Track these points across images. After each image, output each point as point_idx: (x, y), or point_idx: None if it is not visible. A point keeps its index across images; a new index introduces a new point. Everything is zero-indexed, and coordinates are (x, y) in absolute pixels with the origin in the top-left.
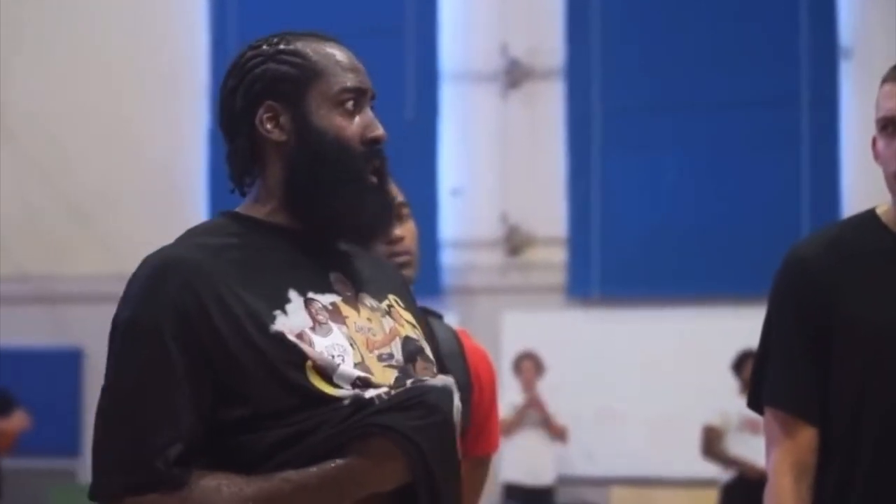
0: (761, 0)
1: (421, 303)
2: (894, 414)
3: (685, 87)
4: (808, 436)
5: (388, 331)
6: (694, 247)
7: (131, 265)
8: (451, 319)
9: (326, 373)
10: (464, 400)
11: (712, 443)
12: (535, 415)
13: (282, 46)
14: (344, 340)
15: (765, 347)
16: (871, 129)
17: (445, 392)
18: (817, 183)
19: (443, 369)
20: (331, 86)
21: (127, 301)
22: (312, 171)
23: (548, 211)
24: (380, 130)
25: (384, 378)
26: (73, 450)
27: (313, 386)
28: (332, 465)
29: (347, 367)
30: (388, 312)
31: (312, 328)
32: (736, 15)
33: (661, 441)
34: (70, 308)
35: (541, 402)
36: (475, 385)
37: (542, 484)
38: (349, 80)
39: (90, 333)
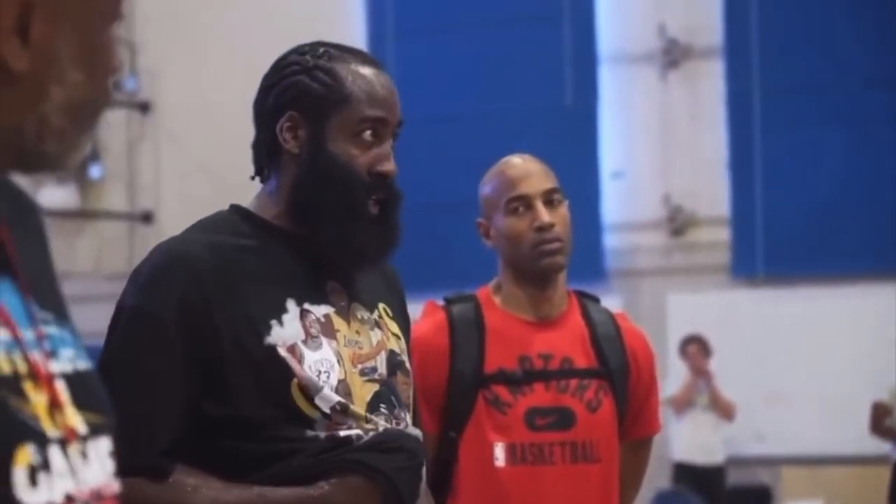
0: None
1: (585, 287)
2: None
3: (845, 63)
4: None
5: (374, 344)
6: (858, 223)
7: None
8: (616, 302)
9: (309, 393)
10: (621, 382)
11: (880, 419)
12: (705, 390)
13: (321, 62)
14: (332, 356)
15: None
16: None
17: (419, 441)
18: None
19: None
20: (353, 114)
21: (134, 288)
22: (316, 191)
23: (710, 191)
24: (390, 166)
25: (363, 393)
26: None
27: (294, 404)
28: (310, 491)
29: (329, 392)
30: (377, 324)
31: (304, 341)
32: None
33: (830, 419)
34: None
35: (710, 374)
36: (632, 367)
37: (713, 463)
38: (373, 111)
39: None
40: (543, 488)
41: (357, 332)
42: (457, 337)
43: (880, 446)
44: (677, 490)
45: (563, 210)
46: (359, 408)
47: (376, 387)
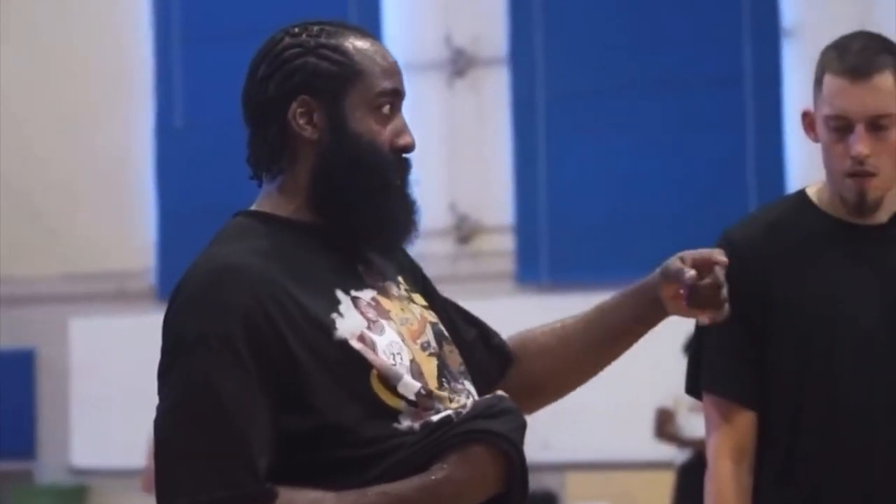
0: None
1: None
2: (832, 398)
3: (629, 69)
4: (746, 420)
5: (419, 318)
6: (642, 229)
7: (81, 265)
8: None
9: (390, 383)
10: None
11: (664, 424)
12: None
13: (322, 40)
14: (396, 336)
15: (700, 333)
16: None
17: (511, 400)
18: (762, 162)
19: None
20: (370, 88)
21: (189, 313)
22: (345, 175)
23: (496, 198)
24: (409, 138)
25: (430, 368)
26: (28, 451)
27: (376, 396)
28: (431, 476)
29: (410, 379)
30: (410, 298)
31: (368, 328)
32: None
33: (615, 425)
34: (22, 309)
35: None
36: None
37: None
38: (387, 83)
39: (42, 334)
40: None
41: (402, 309)
42: None
43: (666, 451)
44: None
45: None
46: (434, 386)
47: (435, 360)
